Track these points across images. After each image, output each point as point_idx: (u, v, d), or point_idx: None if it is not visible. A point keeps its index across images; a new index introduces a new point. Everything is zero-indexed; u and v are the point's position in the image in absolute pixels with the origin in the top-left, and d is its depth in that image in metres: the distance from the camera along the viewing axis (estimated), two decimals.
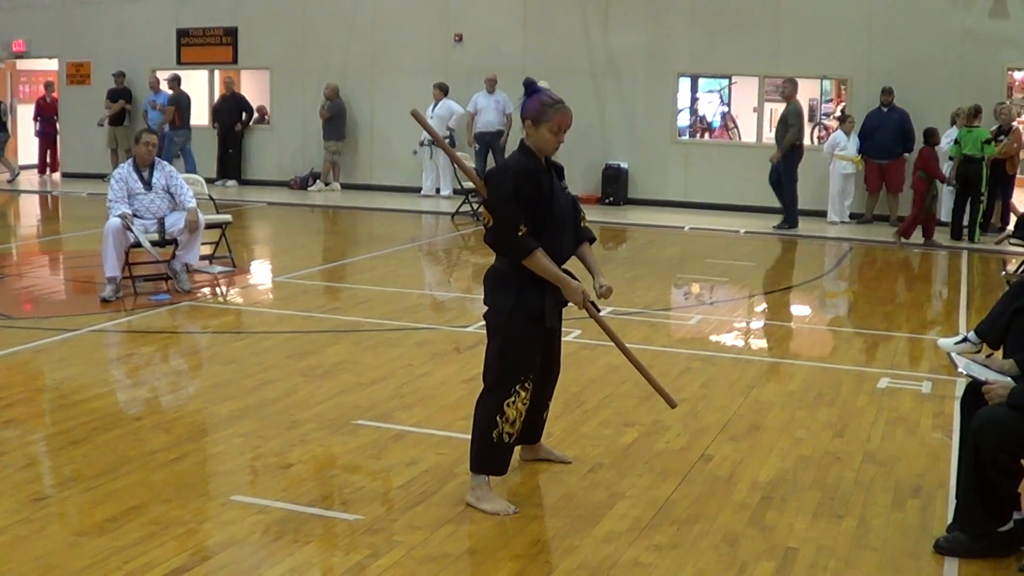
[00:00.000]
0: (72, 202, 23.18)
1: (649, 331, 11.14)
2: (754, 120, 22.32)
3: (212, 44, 25.34)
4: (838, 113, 21.78)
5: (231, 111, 24.87)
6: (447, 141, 21.76)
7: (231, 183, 24.65)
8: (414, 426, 7.72)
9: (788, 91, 19.67)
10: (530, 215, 6.08)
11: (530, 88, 6.38)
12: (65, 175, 26.61)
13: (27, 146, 28.48)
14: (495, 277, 6.33)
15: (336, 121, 23.53)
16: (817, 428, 7.94)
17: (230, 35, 25.14)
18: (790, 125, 19.17)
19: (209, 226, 13.02)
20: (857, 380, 9.29)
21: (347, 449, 7.28)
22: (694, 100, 25.33)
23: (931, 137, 17.73)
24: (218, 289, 13.00)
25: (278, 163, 24.81)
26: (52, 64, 27.43)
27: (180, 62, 25.63)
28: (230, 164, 24.98)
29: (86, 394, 8.43)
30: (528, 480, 6.74)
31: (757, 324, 11.95)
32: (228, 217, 14.19)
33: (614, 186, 21.73)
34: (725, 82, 24.97)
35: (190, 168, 23.65)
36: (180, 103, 24.41)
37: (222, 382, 8.85)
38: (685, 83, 23.51)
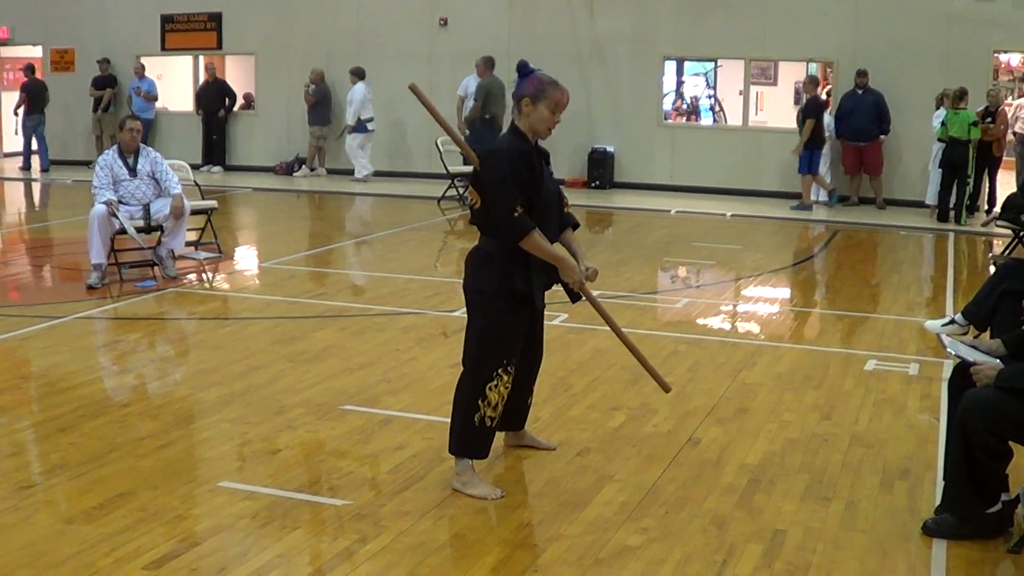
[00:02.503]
0: (57, 189, 23.10)
1: (636, 315, 11.13)
2: (740, 103, 22.27)
3: (196, 30, 25.23)
4: (824, 97, 21.77)
5: (214, 97, 24.79)
6: (357, 127, 22.27)
7: (216, 169, 24.60)
8: (401, 411, 7.72)
9: (479, 68, 20.25)
10: (523, 197, 6.02)
11: (525, 69, 6.30)
12: (51, 162, 26.42)
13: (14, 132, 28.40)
14: (480, 258, 6.29)
15: (321, 106, 23.44)
16: (804, 411, 7.95)
17: (214, 20, 25.03)
18: (474, 100, 20.12)
19: (194, 212, 12.98)
20: (844, 362, 9.31)
21: (335, 434, 7.27)
22: (680, 83, 25.29)
23: None
24: (204, 275, 12.98)
25: (263, 149, 24.72)
26: (36, 51, 27.30)
27: (164, 48, 25.55)
28: (215, 150, 24.91)
29: (73, 381, 8.40)
30: (515, 465, 6.75)
31: (744, 307, 11.96)
32: (214, 203, 14.16)
33: (600, 170, 21.72)
34: (711, 65, 24.92)
35: (42, 152, 24.88)
36: (32, 91, 24.82)
37: (209, 368, 8.83)
38: (671, 66, 23.44)
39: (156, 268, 12.35)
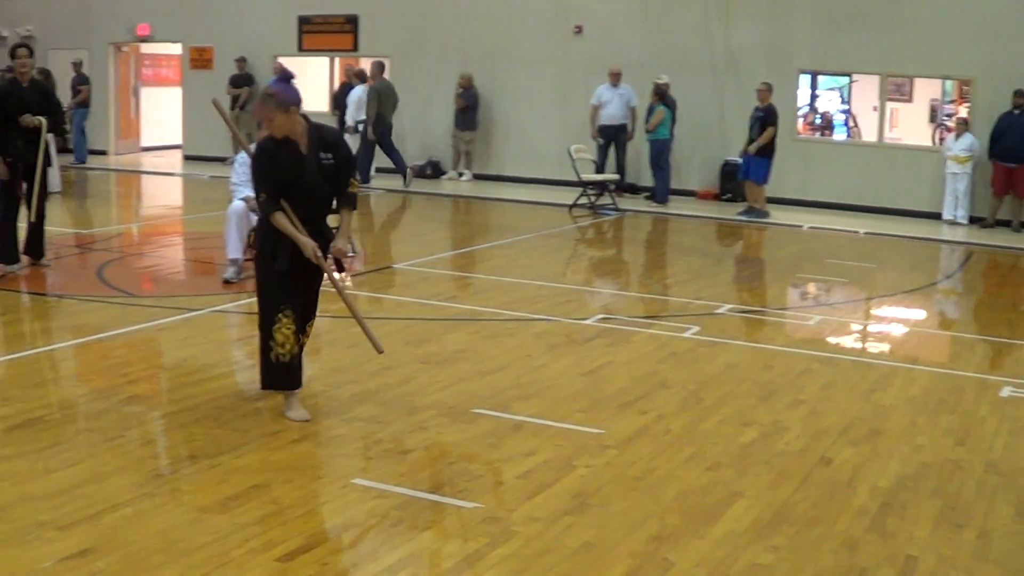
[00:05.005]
0: (194, 184, 23.50)
1: (768, 330, 11.07)
2: (873, 119, 21.99)
3: (333, 31, 25.52)
4: (962, 114, 21.41)
5: None
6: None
7: None
8: (532, 417, 7.73)
9: (372, 71, 22.67)
10: (272, 184, 7.28)
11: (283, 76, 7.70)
12: (187, 157, 26.96)
13: (153, 126, 29.12)
14: (256, 227, 7.85)
15: (470, 111, 23.57)
16: (938, 435, 7.83)
17: (351, 23, 25.31)
18: (370, 99, 22.20)
19: (331, 211, 13.07)
20: (979, 388, 9.14)
21: (466, 437, 7.32)
22: (813, 97, 25.04)
23: None
24: (338, 274, 13.07)
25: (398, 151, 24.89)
26: (176, 48, 27.82)
27: (301, 49, 25.86)
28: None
29: (208, 373, 8.55)
30: (646, 476, 6.72)
31: (877, 327, 11.80)
32: None
33: (732, 183, 21.50)
34: (846, 80, 24.65)
35: (80, 144, 25.64)
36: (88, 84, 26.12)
37: (342, 366, 8.95)
38: (805, 80, 23.17)
39: None
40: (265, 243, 7.46)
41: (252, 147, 7.99)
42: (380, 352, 7.94)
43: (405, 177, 22.64)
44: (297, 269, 7.44)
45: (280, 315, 7.37)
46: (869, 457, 7.28)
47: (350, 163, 7.65)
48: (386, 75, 24.66)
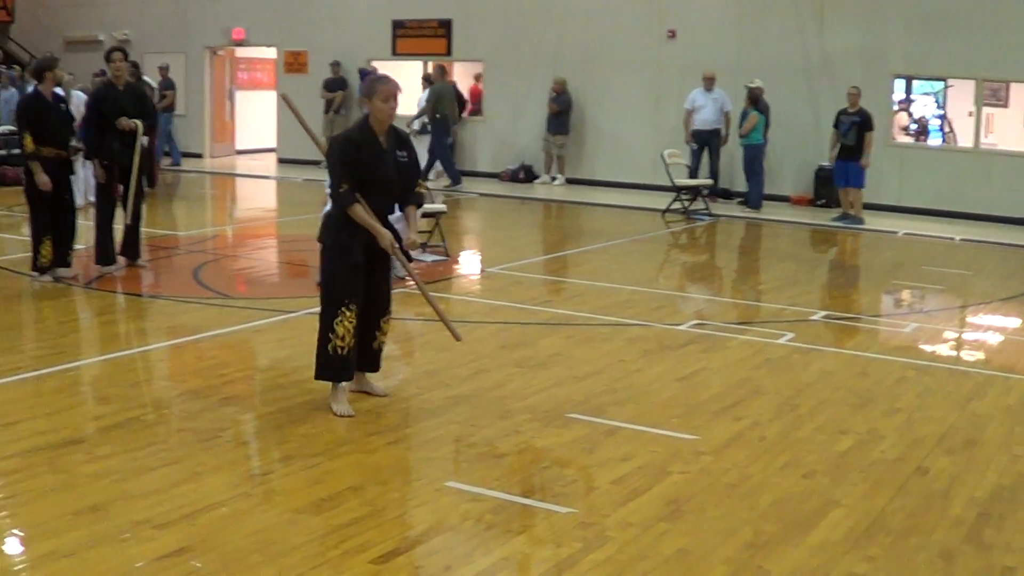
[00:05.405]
0: (288, 187, 23.70)
1: (863, 337, 10.96)
2: (968, 124, 21.67)
3: (427, 36, 25.62)
4: None
5: None
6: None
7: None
8: (627, 422, 7.72)
9: (435, 75, 23.38)
10: (354, 176, 7.47)
11: (363, 74, 7.77)
12: (281, 160, 27.18)
13: (248, 129, 29.46)
14: (326, 219, 7.95)
15: (563, 115, 23.55)
16: None
17: (444, 27, 25.40)
18: (426, 101, 22.83)
19: (424, 215, 13.14)
20: None
21: (560, 441, 7.32)
22: (909, 102, 24.73)
23: None
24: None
25: (489, 155, 24.96)
26: (270, 52, 28.06)
27: (395, 53, 25.99)
28: None
29: (304, 375, 8.56)
30: (741, 483, 6.69)
31: (974, 335, 11.65)
32: (443, 207, 14.38)
33: (827, 188, 21.25)
34: (940, 85, 24.32)
35: (173, 150, 26.03)
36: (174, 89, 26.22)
37: (436, 369, 8.98)
38: (900, 85, 22.88)
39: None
40: (339, 236, 7.67)
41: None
42: (458, 339, 8.22)
43: (455, 181, 23.32)
44: (366, 263, 7.71)
45: (344, 309, 7.63)
46: (966, 467, 7.18)
47: (419, 164, 8.03)
48: (481, 79, 24.89)
